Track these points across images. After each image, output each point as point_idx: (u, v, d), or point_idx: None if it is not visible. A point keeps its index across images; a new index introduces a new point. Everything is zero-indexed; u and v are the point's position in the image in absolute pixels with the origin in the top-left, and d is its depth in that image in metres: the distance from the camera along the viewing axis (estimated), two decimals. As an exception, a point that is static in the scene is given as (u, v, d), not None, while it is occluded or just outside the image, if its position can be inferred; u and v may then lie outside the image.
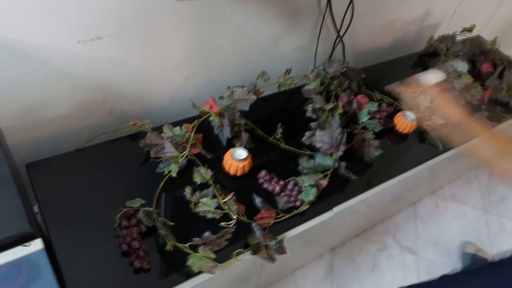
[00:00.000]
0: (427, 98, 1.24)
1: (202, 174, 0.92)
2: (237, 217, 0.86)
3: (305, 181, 0.94)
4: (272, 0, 1.12)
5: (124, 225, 0.80)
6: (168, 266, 0.79)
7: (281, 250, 0.83)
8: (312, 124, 1.03)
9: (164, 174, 0.92)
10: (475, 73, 1.47)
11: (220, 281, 0.89)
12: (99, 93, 1.02)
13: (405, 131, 1.17)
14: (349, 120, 1.13)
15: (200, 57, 1.13)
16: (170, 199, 0.89)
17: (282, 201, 0.93)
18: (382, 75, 1.42)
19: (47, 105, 0.94)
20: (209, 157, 0.97)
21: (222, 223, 0.85)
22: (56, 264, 0.74)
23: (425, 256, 1.43)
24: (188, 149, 0.93)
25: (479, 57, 1.53)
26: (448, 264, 1.43)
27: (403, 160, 1.12)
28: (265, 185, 0.94)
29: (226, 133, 0.99)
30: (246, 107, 1.07)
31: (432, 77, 1.37)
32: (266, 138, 1.06)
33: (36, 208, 0.84)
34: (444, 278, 1.04)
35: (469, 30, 1.59)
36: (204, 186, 0.91)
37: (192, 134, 0.95)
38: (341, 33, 1.36)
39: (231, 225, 0.84)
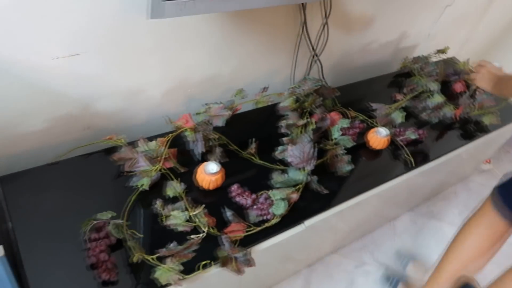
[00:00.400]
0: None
1: (174, 187, 0.93)
2: (207, 230, 0.87)
3: (276, 194, 0.95)
4: (249, 20, 1.16)
5: (94, 238, 0.81)
6: (136, 279, 0.79)
7: (249, 262, 0.84)
8: (284, 139, 1.05)
9: (136, 187, 0.93)
10: (449, 93, 1.53)
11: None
12: (76, 109, 1.04)
13: (378, 147, 1.20)
14: (322, 136, 1.16)
15: (178, 75, 1.16)
16: (141, 212, 0.90)
17: (253, 214, 0.94)
18: (358, 93, 1.46)
19: (22, 120, 0.95)
20: (182, 171, 0.99)
21: (191, 236, 0.86)
22: (24, 276, 0.74)
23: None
24: (161, 163, 0.95)
25: (452, 77, 1.59)
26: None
27: (375, 175, 1.15)
28: (237, 199, 0.96)
29: (199, 148, 1.01)
30: (221, 123, 1.10)
31: None
32: (240, 152, 1.08)
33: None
34: None
35: (443, 52, 1.65)
36: (176, 199, 0.93)
37: (165, 148, 0.97)
38: (318, 53, 1.41)
39: (199, 237, 0.85)
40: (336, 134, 1.14)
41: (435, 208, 1.71)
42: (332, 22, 1.33)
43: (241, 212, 0.95)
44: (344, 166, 1.07)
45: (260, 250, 0.91)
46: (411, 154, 1.22)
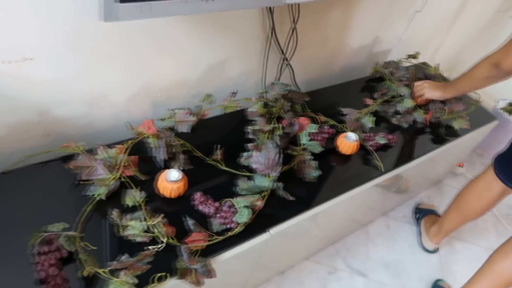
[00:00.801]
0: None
1: (133, 196, 0.90)
2: (166, 240, 0.84)
3: (240, 202, 0.93)
4: (217, 24, 1.14)
5: (43, 251, 0.76)
6: (88, 293, 0.76)
7: (209, 273, 0.81)
8: (249, 145, 1.03)
9: (93, 196, 0.89)
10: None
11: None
12: (33, 115, 1.00)
13: (348, 152, 1.19)
14: (291, 141, 1.14)
15: (143, 80, 1.13)
16: (97, 223, 0.86)
17: (216, 223, 0.91)
18: (330, 98, 1.45)
19: (-27, 126, 0.91)
20: (143, 179, 0.95)
21: (149, 247, 0.83)
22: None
23: (375, 278, 1.43)
24: (120, 170, 0.92)
25: (423, 82, 1.59)
26: (397, 286, 1.43)
27: (344, 181, 1.13)
28: (200, 207, 0.93)
29: (161, 155, 0.98)
30: (186, 129, 1.07)
31: None
32: (204, 159, 1.06)
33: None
34: None
35: (414, 57, 1.66)
36: (136, 209, 0.89)
37: (124, 156, 0.94)
38: (288, 58, 1.40)
39: (158, 248, 0.82)
40: (304, 139, 1.12)
41: (409, 213, 1.72)
42: (301, 27, 1.32)
43: (204, 221, 0.92)
44: (312, 172, 1.06)
45: (223, 259, 0.88)
46: (381, 159, 1.21)
